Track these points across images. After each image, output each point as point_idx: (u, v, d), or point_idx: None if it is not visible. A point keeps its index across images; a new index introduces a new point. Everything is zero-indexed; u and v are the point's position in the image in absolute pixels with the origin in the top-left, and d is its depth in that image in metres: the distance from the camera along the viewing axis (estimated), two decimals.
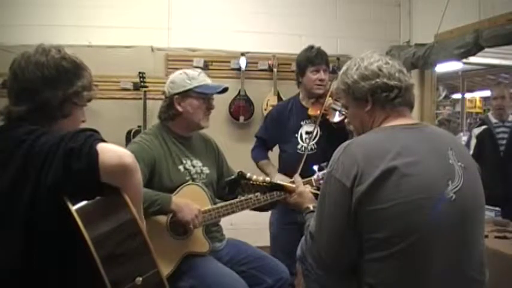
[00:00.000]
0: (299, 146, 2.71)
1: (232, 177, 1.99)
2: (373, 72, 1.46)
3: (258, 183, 1.94)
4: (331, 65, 4.57)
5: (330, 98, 2.66)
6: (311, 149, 2.69)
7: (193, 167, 2.24)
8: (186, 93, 2.20)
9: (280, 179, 2.60)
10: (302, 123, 2.76)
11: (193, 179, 2.21)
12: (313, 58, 2.73)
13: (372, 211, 1.31)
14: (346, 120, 2.51)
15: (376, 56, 1.50)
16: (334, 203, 1.39)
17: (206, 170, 2.28)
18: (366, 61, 1.49)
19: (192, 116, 2.22)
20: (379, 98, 1.46)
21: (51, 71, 1.28)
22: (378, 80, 1.45)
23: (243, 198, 2.16)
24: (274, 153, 2.91)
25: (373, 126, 1.49)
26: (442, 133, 1.54)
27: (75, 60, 1.34)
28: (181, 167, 2.21)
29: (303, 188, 1.86)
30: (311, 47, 2.80)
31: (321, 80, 2.71)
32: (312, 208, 1.74)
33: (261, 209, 2.29)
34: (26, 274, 1.14)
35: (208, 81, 2.26)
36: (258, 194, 2.12)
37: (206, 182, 2.25)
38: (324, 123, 2.68)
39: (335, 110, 2.61)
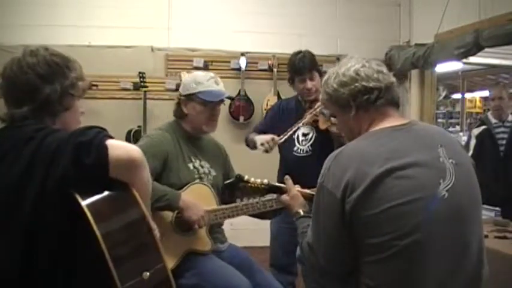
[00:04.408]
0: (295, 148, 2.72)
1: (231, 180, 1.99)
2: (351, 78, 1.47)
3: (256, 185, 1.95)
4: (331, 65, 4.62)
5: (320, 104, 2.65)
6: (306, 151, 2.71)
7: (202, 167, 2.26)
8: (189, 97, 2.23)
9: (261, 139, 2.66)
10: (300, 125, 2.74)
11: (200, 178, 2.22)
12: (297, 68, 2.71)
13: (367, 217, 1.32)
14: (332, 128, 2.51)
15: (353, 61, 1.51)
16: (328, 214, 1.40)
17: (213, 172, 2.29)
18: (343, 67, 1.51)
19: (194, 119, 2.25)
20: (361, 101, 1.47)
21: (45, 68, 1.30)
22: (356, 84, 1.46)
23: (248, 201, 2.16)
24: (275, 157, 2.89)
25: (361, 131, 1.49)
26: (432, 130, 1.54)
27: (62, 54, 1.36)
28: (190, 165, 2.22)
29: (295, 192, 1.87)
30: (296, 53, 2.76)
31: (307, 89, 2.69)
32: (302, 213, 1.74)
33: (263, 216, 2.29)
34: (29, 272, 1.15)
35: (215, 87, 2.24)
36: (261, 198, 2.13)
37: (212, 183, 2.26)
38: (309, 122, 2.69)
39: (324, 115, 2.61)
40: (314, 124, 2.69)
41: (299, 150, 2.72)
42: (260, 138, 2.70)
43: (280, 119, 2.85)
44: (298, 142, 2.74)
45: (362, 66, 1.48)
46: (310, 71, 2.70)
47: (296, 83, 2.74)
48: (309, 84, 2.69)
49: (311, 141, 2.71)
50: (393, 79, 1.51)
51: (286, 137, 2.65)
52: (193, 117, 2.24)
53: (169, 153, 2.16)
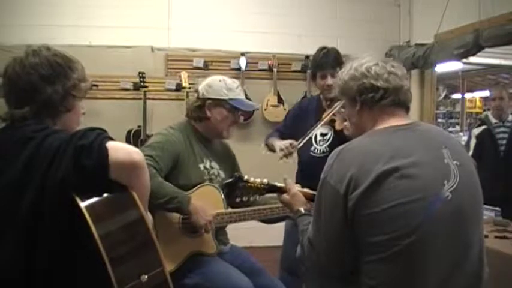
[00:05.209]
0: (312, 148, 2.67)
1: (230, 179, 1.99)
2: (361, 73, 1.47)
3: (255, 185, 1.95)
4: None
5: (339, 102, 2.61)
6: (323, 151, 2.65)
7: (212, 168, 2.26)
8: (219, 102, 2.23)
9: (280, 145, 2.61)
10: (318, 126, 2.68)
11: (210, 179, 2.22)
12: (318, 63, 2.67)
13: (369, 215, 1.32)
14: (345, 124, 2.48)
15: (369, 58, 1.51)
16: (330, 210, 1.39)
17: (222, 174, 2.29)
18: (357, 62, 1.51)
19: (217, 124, 2.25)
20: (366, 99, 1.47)
21: (47, 69, 1.29)
22: (364, 80, 1.46)
23: (255, 207, 2.19)
24: (275, 157, 2.88)
25: (365, 128, 1.50)
26: (436, 131, 1.54)
27: (65, 54, 1.36)
28: (201, 166, 2.22)
29: (295, 190, 1.86)
30: (321, 49, 2.71)
31: (328, 85, 2.63)
32: (303, 211, 1.74)
33: (270, 221, 2.30)
34: (29, 272, 1.15)
35: (243, 96, 2.31)
36: (269, 205, 2.19)
37: (221, 185, 2.25)
38: (326, 121, 2.64)
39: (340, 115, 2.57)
40: (332, 124, 2.64)
41: (316, 150, 2.67)
42: (279, 144, 2.65)
43: (301, 118, 2.79)
44: (316, 142, 2.68)
45: (375, 64, 1.48)
46: (333, 68, 2.63)
47: (317, 78, 2.69)
48: (330, 80, 2.61)
49: (329, 142, 2.65)
50: (405, 83, 1.49)
51: (305, 140, 2.60)
52: (216, 121, 2.24)
53: (181, 153, 2.16)
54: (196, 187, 2.15)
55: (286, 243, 2.78)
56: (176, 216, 2.11)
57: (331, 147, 2.60)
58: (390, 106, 1.47)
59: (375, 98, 1.46)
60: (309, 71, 3.55)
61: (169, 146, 2.12)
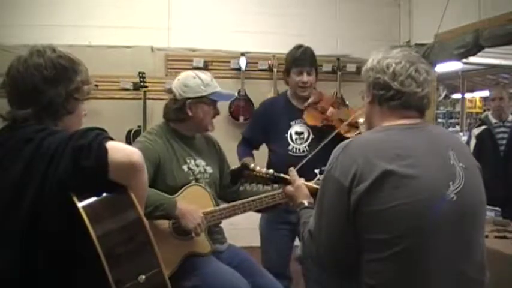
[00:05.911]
0: (290, 147, 2.64)
1: (236, 167, 1.98)
2: (380, 67, 1.45)
3: (261, 174, 1.94)
4: (331, 65, 4.62)
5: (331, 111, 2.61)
6: (303, 151, 2.63)
7: (197, 166, 2.24)
8: (199, 99, 2.20)
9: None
10: (292, 123, 2.68)
11: (196, 179, 2.21)
12: (296, 59, 2.66)
13: (371, 212, 1.31)
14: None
15: (396, 54, 1.47)
16: (332, 203, 1.39)
17: (209, 169, 2.28)
18: (383, 54, 1.48)
19: (201, 120, 2.23)
20: (376, 94, 1.46)
21: (51, 71, 1.28)
22: (380, 75, 1.43)
23: (245, 200, 2.16)
24: (262, 153, 2.87)
25: (373, 122, 1.49)
26: (442, 133, 1.54)
27: (70, 56, 1.35)
28: (185, 167, 2.20)
29: (300, 183, 1.86)
30: (298, 47, 2.72)
31: (303, 82, 2.63)
32: (306, 204, 1.73)
33: (262, 210, 2.28)
34: (29, 273, 1.15)
35: (219, 87, 2.28)
36: (258, 196, 2.15)
37: (209, 181, 2.25)
38: (317, 127, 2.61)
39: (346, 106, 2.55)
40: (327, 128, 2.60)
41: (294, 149, 2.64)
42: None
43: (271, 119, 2.74)
44: (292, 141, 2.65)
45: (398, 62, 1.43)
46: (310, 66, 2.66)
47: (292, 74, 2.67)
48: (306, 77, 2.63)
49: (308, 141, 2.63)
50: (421, 89, 1.43)
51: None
52: (199, 118, 2.22)
53: (161, 158, 2.14)
54: (182, 189, 2.14)
55: (266, 248, 2.70)
56: (166, 221, 2.10)
57: (311, 146, 2.60)
58: (399, 109, 1.44)
59: (384, 96, 1.44)
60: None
61: (149, 153, 2.07)
